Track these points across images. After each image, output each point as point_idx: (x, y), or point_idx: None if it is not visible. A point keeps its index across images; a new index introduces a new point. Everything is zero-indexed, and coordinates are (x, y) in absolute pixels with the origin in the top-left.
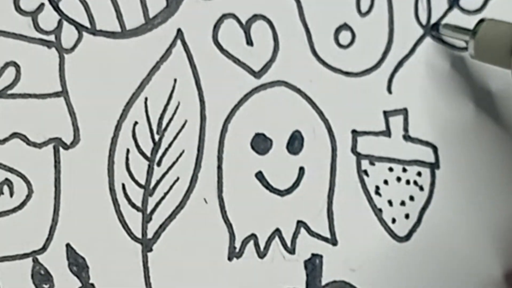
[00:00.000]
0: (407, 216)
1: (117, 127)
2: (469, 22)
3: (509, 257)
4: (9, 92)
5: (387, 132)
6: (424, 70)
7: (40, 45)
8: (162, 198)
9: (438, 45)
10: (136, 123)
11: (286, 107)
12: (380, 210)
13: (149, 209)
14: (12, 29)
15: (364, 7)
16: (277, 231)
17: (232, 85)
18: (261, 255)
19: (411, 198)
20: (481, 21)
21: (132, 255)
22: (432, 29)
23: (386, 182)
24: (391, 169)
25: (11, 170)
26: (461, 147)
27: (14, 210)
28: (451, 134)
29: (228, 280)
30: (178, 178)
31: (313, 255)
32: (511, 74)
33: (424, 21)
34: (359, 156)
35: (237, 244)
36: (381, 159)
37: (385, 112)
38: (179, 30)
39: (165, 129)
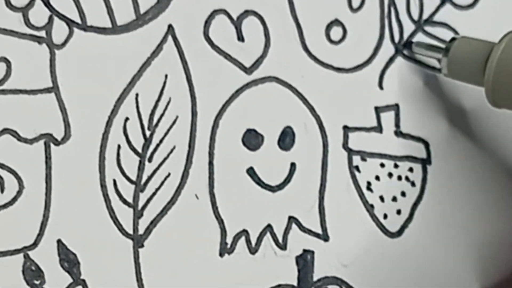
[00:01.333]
0: (398, 212)
1: (108, 123)
2: (461, 18)
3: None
4: (0, 88)
5: (379, 128)
6: (415, 65)
7: (30, 41)
8: (153, 194)
9: (430, 39)
10: (127, 119)
11: (277, 103)
12: (372, 206)
13: (140, 205)
14: (2, 25)
15: (355, 3)
16: (269, 227)
17: (223, 81)
18: (253, 251)
19: (403, 194)
20: (453, 39)
21: (123, 251)
22: (405, 47)
23: (377, 178)
24: (382, 165)
25: (1, 166)
26: (453, 143)
27: (5, 206)
28: (443, 130)
29: (220, 276)
30: (169, 174)
31: (305, 251)
32: (484, 91)
33: (416, 17)
34: (350, 152)
35: (229, 240)
36: (373, 155)
37: (376, 108)
38: (170, 26)
39: (156, 125)
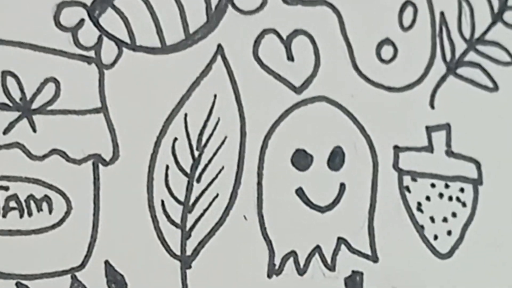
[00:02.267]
0: (449, 232)
1: (157, 143)
2: None
3: None
4: (49, 108)
5: (430, 148)
6: (466, 84)
7: (80, 61)
8: (202, 214)
9: (482, 59)
10: (175, 139)
11: (327, 122)
12: (422, 226)
13: (188, 225)
14: (52, 45)
15: (406, 22)
16: (317, 248)
17: (272, 100)
18: (301, 272)
19: (454, 214)
20: None
21: (171, 272)
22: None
23: (428, 198)
24: (433, 185)
25: (50, 186)
26: (505, 163)
27: (53, 226)
28: (495, 150)
29: None
30: (217, 195)
31: (354, 272)
32: None
33: (467, 36)
34: (400, 172)
35: (277, 261)
36: (423, 175)
37: (427, 128)
38: (219, 46)
39: (205, 145)
